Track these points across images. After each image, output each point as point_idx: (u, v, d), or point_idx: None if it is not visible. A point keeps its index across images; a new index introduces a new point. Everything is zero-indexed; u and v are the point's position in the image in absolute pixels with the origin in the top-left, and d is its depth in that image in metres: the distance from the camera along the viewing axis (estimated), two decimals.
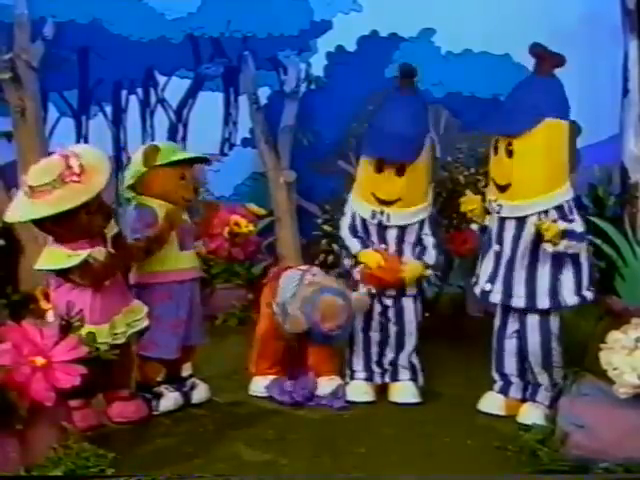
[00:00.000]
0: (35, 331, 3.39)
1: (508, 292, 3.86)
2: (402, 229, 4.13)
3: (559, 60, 3.83)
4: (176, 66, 6.15)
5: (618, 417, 3.31)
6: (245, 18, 6.07)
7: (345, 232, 4.21)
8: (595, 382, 3.49)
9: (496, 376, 4.04)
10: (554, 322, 3.86)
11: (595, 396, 3.42)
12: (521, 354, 3.95)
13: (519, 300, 3.84)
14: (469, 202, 4.09)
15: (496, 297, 3.90)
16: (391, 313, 4.20)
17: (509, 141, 3.79)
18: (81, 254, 3.64)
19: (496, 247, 3.89)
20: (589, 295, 3.87)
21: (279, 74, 6.09)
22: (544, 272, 3.82)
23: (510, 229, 3.84)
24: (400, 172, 4.06)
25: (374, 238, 4.16)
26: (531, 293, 3.82)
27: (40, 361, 3.31)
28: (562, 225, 3.71)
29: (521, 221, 3.80)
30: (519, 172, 3.79)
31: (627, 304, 4.44)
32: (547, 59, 3.83)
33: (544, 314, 3.86)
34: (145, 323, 3.91)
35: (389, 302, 4.18)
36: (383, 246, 4.13)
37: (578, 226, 3.78)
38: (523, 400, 3.97)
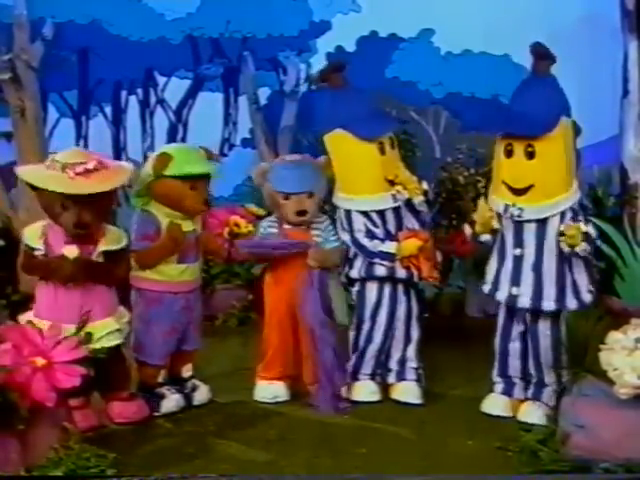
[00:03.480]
0: (35, 332, 3.39)
1: (538, 296, 3.83)
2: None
3: (554, 59, 3.86)
4: (176, 66, 6.16)
5: (618, 417, 3.31)
6: (244, 18, 6.08)
7: (368, 242, 4.12)
8: (595, 383, 3.48)
9: (497, 379, 4.04)
10: (563, 323, 3.89)
11: (596, 397, 3.42)
12: (525, 355, 3.96)
13: (549, 303, 3.83)
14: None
15: (525, 301, 3.86)
16: (401, 311, 4.22)
17: (529, 143, 3.78)
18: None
19: (516, 251, 3.85)
20: (591, 296, 3.91)
21: (279, 74, 6.11)
22: (567, 272, 3.84)
23: (530, 231, 3.83)
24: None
25: (391, 228, 4.15)
26: (561, 295, 3.83)
27: (40, 361, 3.31)
28: (584, 227, 3.75)
29: (542, 222, 3.80)
30: (543, 173, 3.78)
31: (627, 304, 4.44)
32: (546, 58, 3.84)
33: (555, 315, 3.88)
34: (128, 329, 3.91)
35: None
36: (404, 231, 4.13)
37: (590, 228, 3.81)
38: (526, 400, 3.97)
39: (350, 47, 6.06)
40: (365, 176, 4.11)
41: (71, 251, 3.67)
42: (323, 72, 4.21)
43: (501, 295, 3.93)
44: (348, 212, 4.16)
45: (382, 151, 4.11)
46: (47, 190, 3.63)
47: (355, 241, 4.14)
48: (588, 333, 3.85)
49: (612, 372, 3.34)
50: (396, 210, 4.15)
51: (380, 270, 4.13)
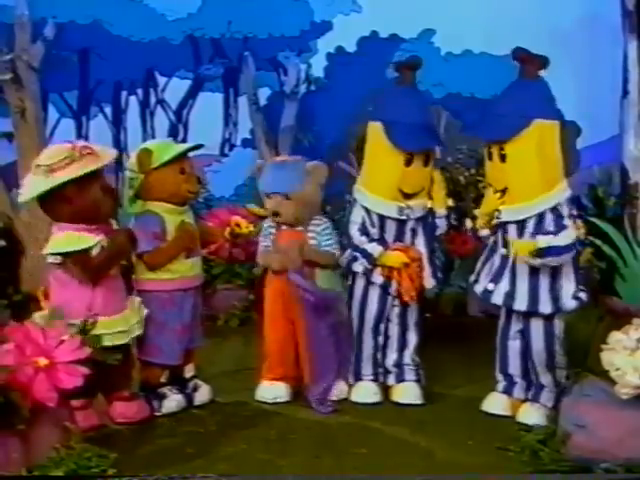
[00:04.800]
0: (38, 331, 3.40)
1: (511, 295, 3.86)
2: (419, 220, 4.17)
3: (543, 62, 3.86)
4: (176, 67, 6.17)
5: (620, 417, 3.31)
6: (245, 19, 6.08)
7: (357, 236, 4.13)
8: (597, 383, 3.48)
9: (499, 377, 4.04)
10: (557, 325, 3.88)
11: (597, 397, 3.42)
12: (525, 354, 3.96)
13: (522, 304, 3.84)
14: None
15: (498, 299, 3.89)
16: (394, 314, 4.22)
17: (501, 146, 3.81)
18: (94, 238, 3.66)
19: (502, 250, 3.88)
20: (584, 296, 3.89)
21: (279, 75, 6.11)
22: (545, 276, 3.83)
23: (512, 232, 3.84)
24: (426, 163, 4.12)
25: (389, 236, 4.15)
26: (534, 297, 3.83)
27: (43, 361, 3.31)
28: (541, 242, 3.72)
29: (521, 224, 3.81)
30: (514, 175, 3.80)
31: (628, 304, 4.45)
32: (531, 62, 3.85)
33: (548, 317, 3.87)
34: (140, 330, 3.91)
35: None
36: (399, 243, 4.13)
37: (563, 238, 3.75)
38: (526, 400, 3.97)
39: (351, 47, 6.08)
40: (379, 178, 4.11)
41: None
42: (399, 63, 4.20)
43: (478, 289, 3.98)
44: (355, 200, 4.20)
45: (408, 163, 4.06)
46: None
47: (347, 229, 4.19)
48: (589, 334, 3.85)
49: (614, 372, 3.34)
50: (401, 223, 4.13)
51: (358, 266, 4.15)
